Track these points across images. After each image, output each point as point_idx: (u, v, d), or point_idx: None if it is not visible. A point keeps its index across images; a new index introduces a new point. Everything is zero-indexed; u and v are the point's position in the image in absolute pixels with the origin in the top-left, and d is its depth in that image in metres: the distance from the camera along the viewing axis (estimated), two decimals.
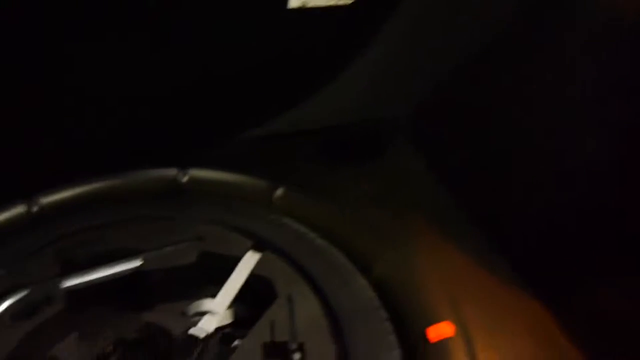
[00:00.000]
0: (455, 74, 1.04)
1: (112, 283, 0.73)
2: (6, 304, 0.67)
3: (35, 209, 0.85)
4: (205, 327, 0.66)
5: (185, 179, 0.91)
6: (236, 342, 0.71)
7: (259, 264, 0.74)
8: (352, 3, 0.89)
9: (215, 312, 0.68)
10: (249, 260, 0.75)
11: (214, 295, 0.73)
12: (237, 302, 0.73)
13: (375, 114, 1.11)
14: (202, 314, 0.69)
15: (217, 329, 0.69)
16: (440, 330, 0.68)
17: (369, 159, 1.01)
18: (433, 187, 0.96)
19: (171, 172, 0.92)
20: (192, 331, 0.65)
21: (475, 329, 0.70)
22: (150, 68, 0.87)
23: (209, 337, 0.66)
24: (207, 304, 0.68)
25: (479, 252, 0.83)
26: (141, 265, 0.73)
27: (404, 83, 1.08)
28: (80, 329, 0.71)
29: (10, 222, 0.83)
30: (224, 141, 1.00)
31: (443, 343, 0.67)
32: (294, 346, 0.64)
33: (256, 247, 0.77)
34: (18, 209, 0.84)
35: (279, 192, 0.89)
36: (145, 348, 0.68)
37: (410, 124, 1.09)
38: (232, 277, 0.72)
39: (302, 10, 0.86)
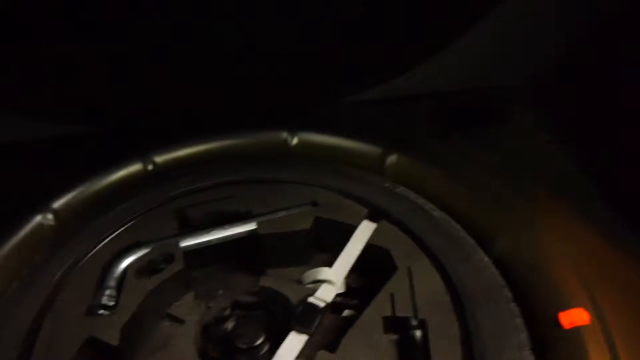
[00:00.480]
0: (579, 42, 0.94)
1: (227, 245, 0.73)
2: (129, 260, 0.68)
3: (150, 167, 0.86)
4: (323, 296, 0.64)
5: (294, 141, 0.89)
6: (347, 312, 0.69)
7: (375, 234, 0.71)
8: None
9: (333, 282, 0.65)
10: (365, 230, 0.72)
11: (326, 264, 0.71)
12: (352, 271, 0.70)
13: (491, 82, 1.03)
14: (318, 282, 0.67)
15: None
16: (574, 317, 0.62)
17: (485, 128, 0.94)
18: (558, 160, 0.88)
19: (281, 134, 0.90)
20: (312, 300, 0.63)
21: (612, 317, 0.64)
22: (284, 26, 0.84)
23: (327, 307, 0.63)
24: (324, 272, 0.66)
25: (612, 233, 0.75)
26: (256, 228, 0.72)
27: (522, 51, 0.99)
28: (196, 289, 0.71)
29: (126, 179, 0.84)
30: (333, 104, 0.96)
31: (577, 330, 0.61)
32: (415, 322, 0.61)
33: (371, 216, 0.74)
34: (134, 167, 0.85)
35: (392, 158, 0.85)
36: (262, 312, 0.66)
37: (530, 93, 1.01)
38: (349, 246, 0.70)
39: None
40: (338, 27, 0.88)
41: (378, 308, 0.62)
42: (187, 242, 0.71)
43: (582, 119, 0.91)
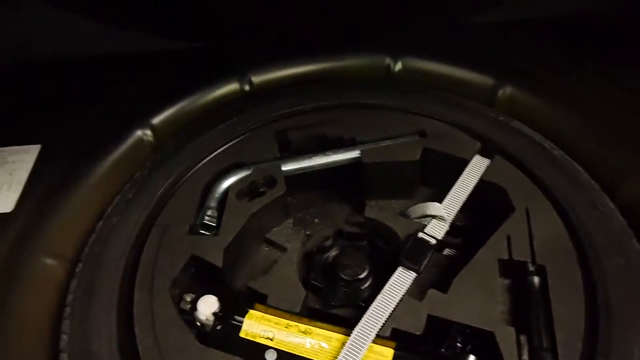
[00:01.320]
0: None
1: (328, 172, 0.69)
2: (230, 181, 0.66)
3: (247, 87, 0.83)
4: (434, 233, 0.60)
5: (398, 67, 0.83)
6: (448, 251, 0.65)
7: (489, 170, 0.65)
8: None
9: (443, 218, 0.61)
10: (478, 165, 0.66)
11: (432, 198, 0.67)
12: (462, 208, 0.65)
13: (616, 5, 0.91)
14: (427, 217, 0.62)
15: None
16: None
17: (612, 58, 0.83)
18: None
19: (384, 59, 0.84)
20: (422, 235, 0.59)
21: None
22: None
23: (437, 244, 0.59)
24: (434, 208, 0.62)
25: None
26: (360, 156, 0.68)
27: None
28: (296, 215, 0.69)
29: (223, 99, 0.82)
30: (442, 28, 0.88)
31: None
32: (533, 268, 0.56)
33: (485, 151, 0.68)
34: (231, 86, 0.82)
35: (506, 90, 0.78)
36: (368, 245, 0.63)
37: None
38: (460, 181, 0.65)
39: None
40: None
41: (493, 250, 0.58)
42: (289, 167, 0.68)
43: None
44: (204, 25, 0.85)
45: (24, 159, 0.72)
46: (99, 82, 0.82)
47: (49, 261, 0.63)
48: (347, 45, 0.84)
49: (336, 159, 0.69)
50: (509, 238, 0.58)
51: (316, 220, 0.71)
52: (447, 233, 0.64)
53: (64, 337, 0.55)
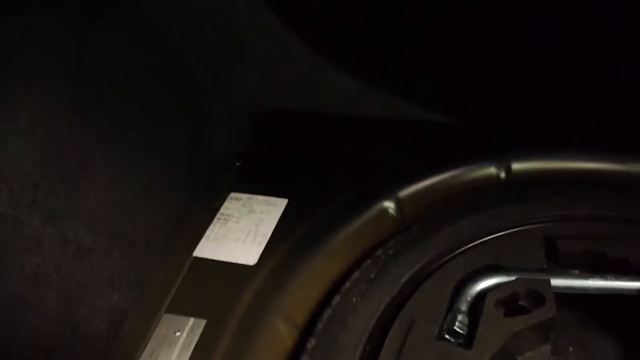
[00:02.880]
0: None
1: (602, 298, 0.58)
2: (488, 284, 0.58)
3: (503, 174, 0.74)
4: None
5: None
6: None
7: None
8: None
9: None
10: None
11: None
12: None
13: None
14: None
15: None
16: None
17: None
18: None
19: None
20: None
21: None
22: None
23: None
24: None
25: None
26: None
27: None
28: (560, 346, 0.58)
29: (476, 183, 0.75)
30: None
31: None
32: None
33: None
34: (486, 170, 0.75)
35: None
36: None
37: None
38: None
39: None
40: None
41: None
42: (559, 283, 0.57)
43: None
44: (468, 99, 0.79)
45: (270, 212, 0.71)
46: (351, 143, 0.80)
47: (281, 325, 0.61)
48: (636, 145, 0.72)
49: (619, 286, 0.57)
50: None
51: (571, 349, 0.60)
52: None
53: None
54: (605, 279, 0.58)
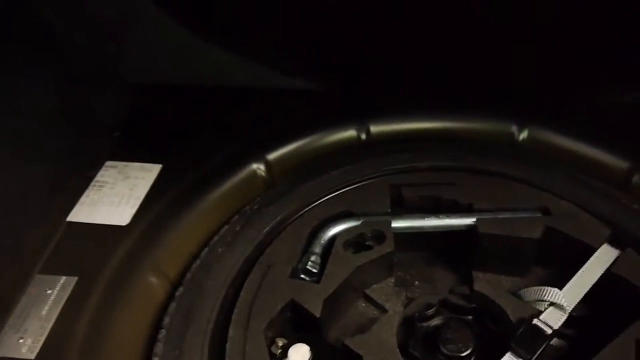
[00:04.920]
0: None
1: (439, 235, 0.67)
2: (338, 229, 0.65)
3: (363, 136, 0.82)
4: (551, 321, 0.55)
5: (523, 136, 0.79)
6: (557, 341, 0.59)
7: (619, 263, 0.60)
8: None
9: (563, 307, 0.56)
10: (606, 255, 0.61)
11: (547, 281, 0.62)
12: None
13: None
14: (542, 302, 0.58)
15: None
16: None
17: None
18: None
19: (509, 126, 0.80)
20: (537, 323, 0.54)
21: None
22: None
23: (553, 334, 0.54)
24: (554, 294, 0.57)
25: None
26: (475, 225, 0.64)
27: None
28: (397, 275, 0.66)
29: (338, 144, 0.82)
30: (573, 101, 0.83)
31: None
32: None
33: (614, 240, 0.62)
34: (348, 133, 0.82)
35: None
36: (474, 322, 0.60)
37: None
38: (584, 269, 0.59)
39: None
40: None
41: (617, 353, 0.52)
42: (400, 224, 0.66)
43: None
44: (331, 69, 0.86)
45: (145, 177, 0.75)
46: (224, 112, 0.85)
47: (153, 279, 0.64)
48: (472, 107, 0.82)
49: (450, 223, 0.66)
50: (637, 342, 0.52)
51: (417, 282, 0.69)
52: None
53: None
54: (439, 218, 0.67)
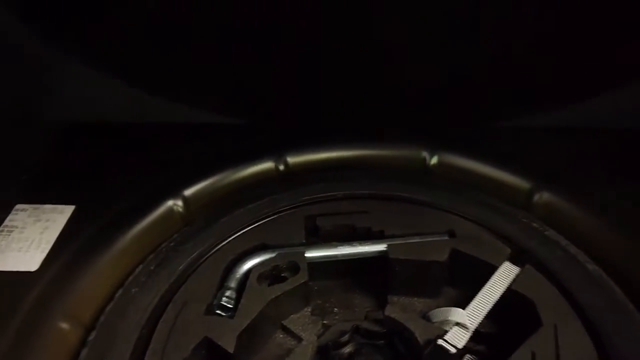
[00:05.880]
0: None
1: (353, 263, 0.68)
2: (252, 262, 0.66)
3: (282, 167, 0.83)
4: (455, 341, 0.57)
5: (434, 161, 0.83)
6: (468, 357, 0.61)
7: (518, 280, 0.63)
8: None
9: (466, 327, 0.59)
10: (507, 273, 0.64)
11: (456, 301, 0.65)
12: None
13: None
14: (448, 323, 0.60)
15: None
16: None
17: None
18: None
19: (420, 152, 0.84)
20: (442, 343, 0.56)
21: None
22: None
23: (457, 354, 0.57)
24: (457, 314, 0.60)
25: None
26: (386, 251, 0.67)
27: None
28: (316, 302, 0.68)
29: (257, 177, 0.83)
30: (485, 127, 0.88)
31: None
32: None
33: (515, 258, 0.66)
34: (266, 165, 0.84)
35: (543, 195, 0.76)
36: (385, 346, 0.61)
37: None
38: (486, 288, 0.63)
39: None
40: (508, 49, 0.80)
41: None
42: (313, 254, 0.67)
43: None
44: (246, 102, 0.88)
45: (56, 219, 0.73)
46: (138, 149, 0.84)
47: (64, 325, 0.63)
48: (386, 135, 0.85)
49: (362, 250, 0.68)
50: (533, 355, 0.56)
51: (335, 309, 0.70)
52: (471, 339, 0.62)
53: None
54: (352, 245, 0.69)
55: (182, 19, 0.79)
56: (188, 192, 0.78)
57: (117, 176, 0.80)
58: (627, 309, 0.62)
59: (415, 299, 0.68)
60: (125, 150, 0.84)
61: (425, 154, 0.84)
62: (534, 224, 0.72)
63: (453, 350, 0.56)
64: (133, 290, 0.65)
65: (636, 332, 0.59)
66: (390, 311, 0.63)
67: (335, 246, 0.68)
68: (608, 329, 0.59)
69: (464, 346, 0.60)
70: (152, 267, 0.67)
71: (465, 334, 0.58)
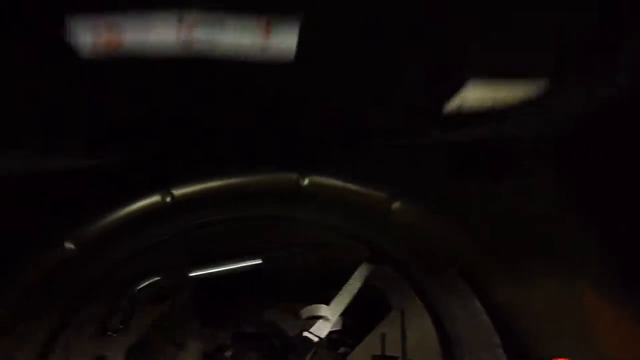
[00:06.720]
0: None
1: (234, 277, 0.77)
2: (142, 284, 0.73)
3: (168, 199, 0.91)
4: (318, 332, 0.67)
5: (305, 182, 0.94)
6: (342, 349, 0.72)
7: (373, 275, 0.75)
8: None
9: (328, 319, 0.69)
10: (364, 271, 0.75)
11: (328, 300, 0.75)
12: (349, 310, 0.73)
13: (513, 133, 1.04)
14: (316, 318, 0.70)
15: (327, 335, 0.70)
16: None
17: (501, 178, 0.96)
18: (570, 219, 0.87)
19: (292, 175, 0.95)
20: (306, 334, 0.66)
21: None
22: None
23: (321, 342, 0.67)
24: (320, 309, 0.70)
25: (612, 290, 0.77)
26: (261, 263, 0.76)
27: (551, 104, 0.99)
28: (202, 318, 0.76)
29: (146, 210, 0.90)
30: (348, 147, 1.00)
31: None
32: None
33: (372, 258, 0.78)
34: (153, 199, 0.91)
35: (396, 204, 0.89)
36: (262, 344, 0.70)
37: (553, 147, 1.01)
38: (347, 285, 0.73)
39: None
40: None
41: (368, 347, 0.66)
42: (196, 272, 0.75)
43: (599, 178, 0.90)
44: (128, 140, 0.94)
45: None
46: (30, 198, 0.88)
47: None
48: (264, 162, 0.95)
49: (240, 265, 0.77)
50: (383, 336, 0.67)
51: (220, 320, 0.78)
52: (343, 333, 0.72)
53: None
54: (232, 261, 0.78)
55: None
56: (80, 233, 0.84)
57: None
58: (463, 290, 0.74)
59: (294, 303, 0.77)
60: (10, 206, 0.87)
61: (297, 176, 0.94)
62: (390, 228, 0.84)
63: (316, 339, 0.66)
64: (29, 318, 0.70)
65: (468, 308, 0.71)
66: (268, 315, 0.72)
67: (217, 264, 0.77)
68: (446, 308, 0.71)
69: (340, 340, 0.71)
70: (46, 295, 0.73)
71: (328, 325, 0.69)
